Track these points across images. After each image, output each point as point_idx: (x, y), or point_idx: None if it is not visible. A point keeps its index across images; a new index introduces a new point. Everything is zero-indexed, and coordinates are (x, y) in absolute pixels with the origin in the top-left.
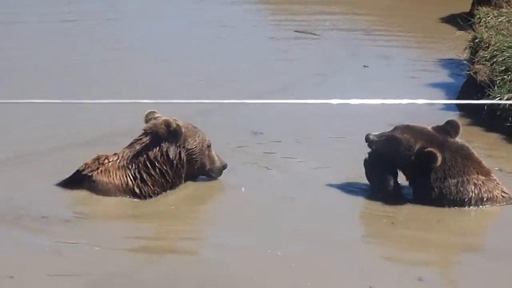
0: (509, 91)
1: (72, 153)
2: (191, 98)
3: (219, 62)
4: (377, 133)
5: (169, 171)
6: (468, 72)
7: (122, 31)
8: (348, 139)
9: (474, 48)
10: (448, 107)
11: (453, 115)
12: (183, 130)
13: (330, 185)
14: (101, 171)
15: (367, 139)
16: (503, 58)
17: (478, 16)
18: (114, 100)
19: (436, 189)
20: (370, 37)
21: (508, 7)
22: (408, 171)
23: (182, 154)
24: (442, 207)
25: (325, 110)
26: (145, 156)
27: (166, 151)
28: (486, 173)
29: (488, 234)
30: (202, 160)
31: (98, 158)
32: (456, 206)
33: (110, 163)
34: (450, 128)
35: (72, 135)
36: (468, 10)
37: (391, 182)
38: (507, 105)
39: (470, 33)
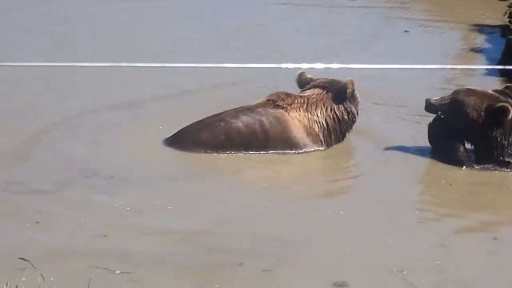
0: None
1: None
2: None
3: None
4: (437, 97)
5: (348, 129)
6: (510, 38)
7: None
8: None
9: None
10: (490, 72)
11: (496, 80)
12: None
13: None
14: (293, 108)
15: (428, 103)
16: None
17: None
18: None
19: (500, 146)
20: (405, 4)
21: None
22: (473, 133)
23: (358, 113)
24: (505, 166)
25: (365, 74)
26: (332, 111)
27: (351, 110)
28: None
29: None
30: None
31: (289, 95)
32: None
33: (299, 104)
34: (509, 91)
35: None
36: None
37: (461, 148)
38: None
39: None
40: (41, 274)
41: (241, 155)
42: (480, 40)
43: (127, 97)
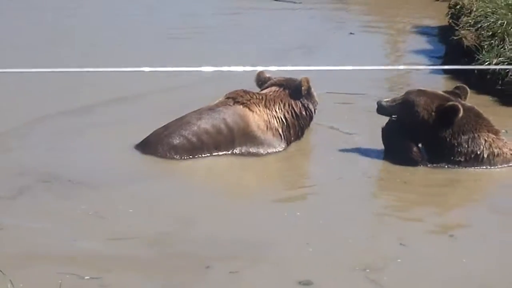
0: (497, 56)
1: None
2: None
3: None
4: (388, 99)
5: (306, 125)
6: (454, 38)
7: None
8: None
9: (456, 15)
10: (435, 72)
11: (442, 79)
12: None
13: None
14: (252, 103)
15: (379, 105)
16: (488, 23)
17: None
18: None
19: (450, 146)
20: (347, 5)
21: None
22: (424, 133)
23: (315, 110)
24: (457, 165)
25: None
26: (290, 107)
27: (308, 107)
28: (495, 132)
29: (499, 192)
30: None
31: (247, 92)
32: (469, 161)
33: (258, 100)
34: (459, 92)
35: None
36: None
37: (414, 148)
38: (497, 69)
39: (447, 1)
40: (10, 281)
41: (205, 158)
42: (423, 40)
43: (81, 101)
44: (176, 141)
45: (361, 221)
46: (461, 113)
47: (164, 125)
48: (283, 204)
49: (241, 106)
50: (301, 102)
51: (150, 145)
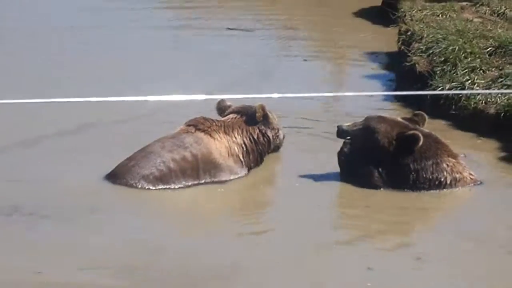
0: (450, 81)
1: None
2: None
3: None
4: (349, 123)
5: (266, 150)
6: (406, 64)
7: None
8: (306, 130)
9: (407, 41)
10: (387, 98)
11: (395, 105)
12: (269, 114)
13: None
14: (213, 130)
15: (340, 129)
16: (440, 49)
17: (402, 9)
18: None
19: (413, 172)
20: (297, 33)
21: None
22: (385, 159)
23: (272, 135)
24: (419, 190)
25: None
26: (248, 133)
27: (266, 133)
28: (455, 156)
29: (462, 215)
30: (280, 136)
31: (206, 119)
32: (433, 187)
33: (217, 127)
34: (418, 119)
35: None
36: (379, 4)
37: (376, 172)
38: (450, 94)
39: (395, 26)
40: None
41: (172, 187)
42: (374, 66)
43: (33, 132)
44: (145, 171)
45: (328, 247)
46: (421, 142)
47: (129, 157)
48: (250, 233)
49: (203, 134)
50: (258, 128)
51: (119, 176)
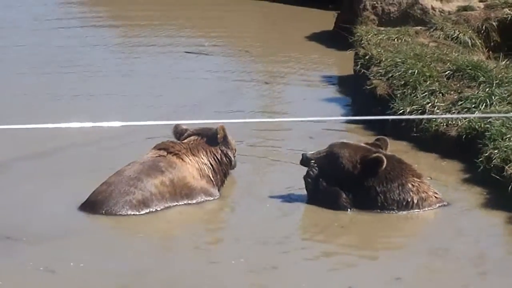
0: (410, 104)
1: None
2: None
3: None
4: (313, 152)
5: (228, 171)
6: (367, 87)
7: None
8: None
9: (365, 65)
10: (349, 120)
11: (357, 128)
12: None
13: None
14: (183, 153)
15: (304, 157)
16: (400, 73)
17: (358, 34)
18: None
19: (381, 194)
20: (253, 56)
21: (373, 25)
22: (350, 183)
23: (233, 156)
24: (387, 210)
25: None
26: (212, 153)
27: (227, 153)
28: (419, 176)
29: (433, 235)
30: (235, 159)
31: (174, 142)
32: (400, 208)
33: (186, 150)
34: (380, 143)
35: None
36: (331, 29)
37: (343, 194)
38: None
39: (353, 50)
40: None
41: (150, 211)
42: (333, 90)
43: None
44: (127, 196)
45: (307, 269)
46: (385, 164)
47: (106, 182)
48: (217, 250)
49: (175, 157)
50: (220, 148)
51: (99, 202)
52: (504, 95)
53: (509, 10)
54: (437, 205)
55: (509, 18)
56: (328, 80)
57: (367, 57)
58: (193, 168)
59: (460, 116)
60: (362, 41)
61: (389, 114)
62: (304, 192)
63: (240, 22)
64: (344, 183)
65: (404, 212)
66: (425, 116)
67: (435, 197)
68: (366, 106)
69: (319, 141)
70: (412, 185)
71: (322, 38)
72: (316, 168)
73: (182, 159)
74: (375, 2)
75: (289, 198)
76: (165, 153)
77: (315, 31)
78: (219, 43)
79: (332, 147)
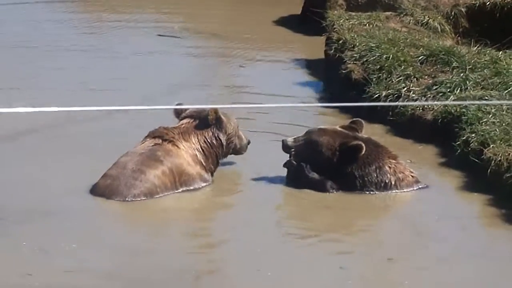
0: (386, 88)
1: None
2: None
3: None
4: (292, 138)
5: (220, 153)
6: (342, 71)
7: None
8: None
9: (339, 49)
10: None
11: (333, 112)
12: (223, 117)
13: None
14: (177, 139)
15: (285, 144)
16: (374, 57)
17: (329, 18)
18: None
19: (359, 178)
20: (225, 40)
21: (341, 10)
22: (330, 169)
23: (225, 138)
24: (367, 192)
25: None
26: (202, 138)
27: (218, 136)
28: (395, 157)
29: (417, 217)
30: (235, 141)
31: (166, 129)
32: (379, 189)
33: (178, 136)
34: (356, 125)
35: None
36: (299, 13)
37: (328, 182)
38: (387, 100)
39: (327, 35)
40: None
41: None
42: (305, 74)
43: None
44: (133, 189)
45: (296, 249)
46: (363, 151)
47: (107, 175)
48: (211, 234)
49: (170, 145)
50: (211, 131)
51: (106, 197)
52: (478, 80)
53: None
54: (415, 186)
55: (477, 4)
56: (300, 64)
57: (340, 42)
58: (187, 154)
59: (458, 103)
60: (334, 26)
61: (364, 98)
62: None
63: (207, 4)
64: (323, 169)
65: (383, 193)
66: (419, 103)
67: (412, 176)
68: (341, 90)
69: (297, 124)
70: (389, 166)
71: (290, 22)
72: (296, 156)
73: (177, 146)
74: None
75: (272, 180)
76: (160, 141)
77: (282, 15)
78: (188, 25)
79: (310, 134)
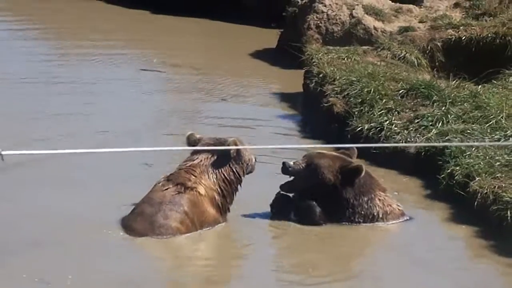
0: (368, 121)
1: None
2: None
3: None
4: (292, 161)
5: (238, 187)
6: (324, 105)
7: None
8: None
9: (320, 83)
10: (304, 137)
11: (317, 144)
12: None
13: None
14: (198, 184)
15: (286, 167)
16: (356, 91)
17: (307, 52)
18: None
19: (350, 208)
20: (204, 74)
21: (316, 43)
22: (326, 194)
23: (244, 168)
24: (355, 223)
25: None
26: (221, 177)
27: (236, 171)
28: (384, 190)
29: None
30: (250, 164)
31: (187, 172)
32: (366, 221)
33: (198, 178)
34: (349, 152)
35: None
36: (274, 46)
37: (318, 210)
38: (370, 134)
39: (307, 68)
40: None
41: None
42: (286, 107)
43: None
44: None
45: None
46: (363, 174)
47: (133, 229)
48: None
49: (193, 192)
50: (230, 167)
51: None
52: (459, 113)
53: (452, 31)
54: (401, 218)
55: (453, 39)
56: (279, 97)
57: (321, 76)
58: (208, 200)
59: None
60: (313, 60)
61: (347, 131)
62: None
63: (182, 39)
64: (320, 194)
65: (369, 224)
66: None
67: (398, 209)
68: (323, 123)
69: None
70: (379, 199)
71: (265, 55)
72: (292, 183)
73: (199, 193)
74: (319, 22)
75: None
76: (182, 189)
77: (257, 48)
78: (166, 59)
79: (310, 157)
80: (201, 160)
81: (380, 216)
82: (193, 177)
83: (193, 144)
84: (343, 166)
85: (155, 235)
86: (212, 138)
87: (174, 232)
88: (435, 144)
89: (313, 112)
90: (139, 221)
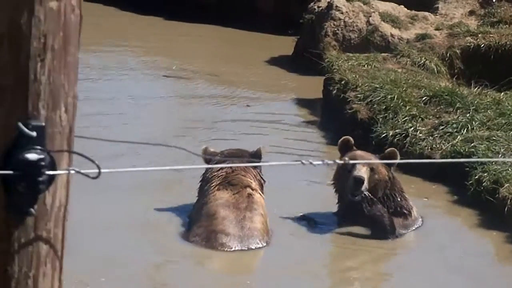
0: (393, 128)
1: None
2: None
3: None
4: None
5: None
6: (348, 111)
7: None
8: None
9: (342, 90)
10: (329, 143)
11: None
12: None
13: None
14: (256, 186)
15: (361, 180)
16: (379, 98)
17: (327, 59)
18: None
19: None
20: (224, 80)
21: (334, 50)
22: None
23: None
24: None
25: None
26: (258, 178)
27: (260, 173)
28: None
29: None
30: None
31: (244, 173)
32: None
33: (252, 180)
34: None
35: None
36: (290, 53)
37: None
38: (395, 140)
39: (328, 75)
40: None
41: None
42: (306, 113)
43: None
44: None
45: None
46: (398, 157)
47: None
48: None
49: (258, 194)
50: (259, 169)
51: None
52: (483, 120)
53: (471, 38)
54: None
55: (471, 46)
56: (300, 103)
57: (343, 82)
58: (263, 200)
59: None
60: (334, 67)
61: (371, 138)
62: None
63: (199, 46)
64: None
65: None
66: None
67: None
68: (346, 130)
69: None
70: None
71: (281, 62)
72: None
73: (260, 194)
74: (336, 29)
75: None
76: (251, 191)
77: (273, 56)
78: (185, 66)
79: (363, 159)
80: (247, 167)
81: (414, 214)
82: (250, 179)
83: (210, 159)
84: (380, 155)
85: (246, 237)
86: (235, 149)
87: (264, 231)
88: (478, 159)
89: (335, 119)
90: (227, 225)
